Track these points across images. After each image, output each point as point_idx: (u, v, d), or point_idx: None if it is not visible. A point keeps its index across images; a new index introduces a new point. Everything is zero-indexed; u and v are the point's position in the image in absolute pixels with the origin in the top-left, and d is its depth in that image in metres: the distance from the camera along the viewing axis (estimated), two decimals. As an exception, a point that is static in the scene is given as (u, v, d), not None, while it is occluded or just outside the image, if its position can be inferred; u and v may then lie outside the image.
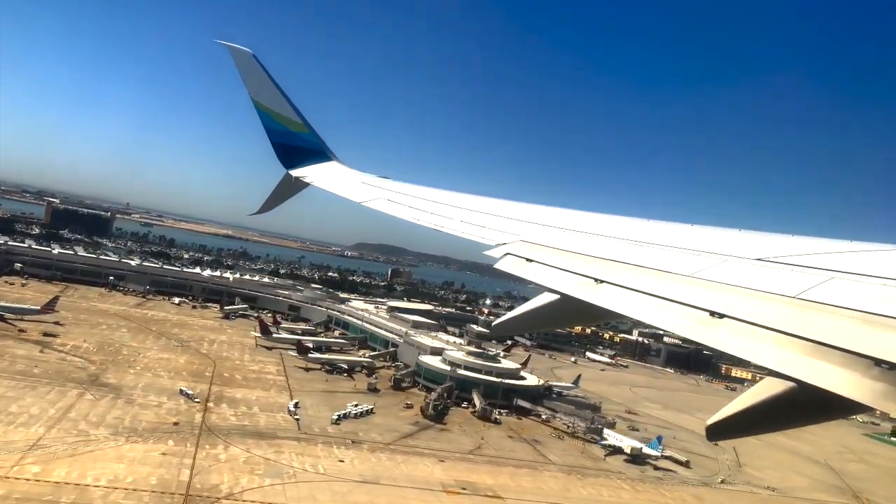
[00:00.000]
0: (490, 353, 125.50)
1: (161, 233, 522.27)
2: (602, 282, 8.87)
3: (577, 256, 10.19)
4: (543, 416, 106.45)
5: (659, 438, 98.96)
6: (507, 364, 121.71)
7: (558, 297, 9.56)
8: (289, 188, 22.15)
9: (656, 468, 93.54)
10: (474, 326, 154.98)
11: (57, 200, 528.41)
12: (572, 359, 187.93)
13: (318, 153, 22.81)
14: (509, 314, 10.99)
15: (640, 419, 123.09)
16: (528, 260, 10.75)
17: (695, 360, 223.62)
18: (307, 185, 21.40)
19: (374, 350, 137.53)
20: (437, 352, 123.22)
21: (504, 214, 14.25)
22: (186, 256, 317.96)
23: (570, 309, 9.50)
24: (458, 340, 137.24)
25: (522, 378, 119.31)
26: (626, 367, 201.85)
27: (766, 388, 6.69)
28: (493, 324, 11.68)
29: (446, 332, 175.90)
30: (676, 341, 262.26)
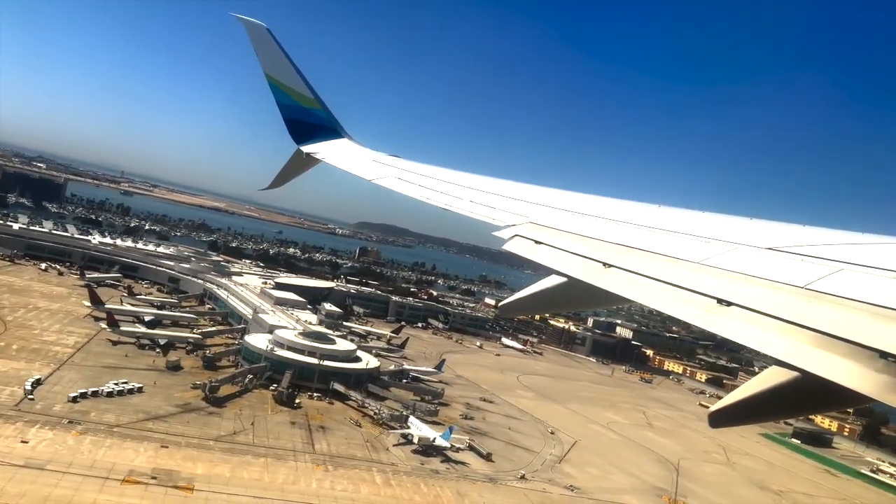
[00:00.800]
0: (330, 334, 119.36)
1: (144, 202, 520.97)
2: (610, 266, 9.07)
3: (586, 240, 10.34)
4: (358, 402, 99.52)
5: (450, 429, 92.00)
6: (342, 346, 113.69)
7: (566, 279, 9.70)
8: (300, 164, 22.30)
9: (447, 460, 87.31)
10: (327, 305, 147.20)
11: (43, 166, 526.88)
12: (478, 343, 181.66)
13: (330, 130, 22.97)
14: (516, 295, 10.88)
15: (490, 408, 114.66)
16: (536, 242, 10.89)
17: (621, 350, 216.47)
18: (318, 161, 21.56)
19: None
20: (274, 330, 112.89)
21: (514, 196, 14.32)
22: (134, 225, 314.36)
23: (577, 292, 9.69)
24: (312, 319, 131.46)
25: (357, 360, 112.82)
26: (541, 353, 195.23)
27: (771, 377, 6.75)
28: (500, 304, 11.78)
29: (350, 313, 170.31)
30: (613, 329, 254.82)
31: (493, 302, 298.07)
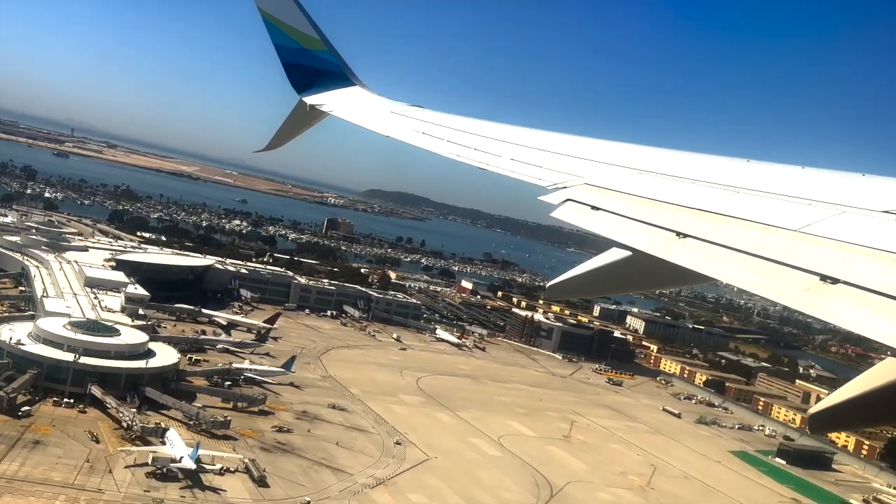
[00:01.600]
0: (118, 324, 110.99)
1: (84, 166, 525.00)
2: (685, 235, 8.99)
3: (655, 204, 10.28)
4: (115, 410, 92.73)
5: (198, 445, 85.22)
6: (127, 339, 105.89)
7: (629, 254, 9.68)
8: (303, 119, 22.05)
9: (195, 485, 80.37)
10: (130, 288, 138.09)
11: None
12: (395, 336, 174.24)
13: (339, 76, 22.66)
14: (568, 274, 10.73)
15: (333, 417, 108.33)
16: (593, 207, 10.79)
17: (598, 344, 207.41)
18: (325, 114, 21.30)
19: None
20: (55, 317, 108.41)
21: (565, 152, 14.12)
22: (29, 192, 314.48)
23: (643, 269, 9.63)
24: (115, 305, 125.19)
25: (148, 356, 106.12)
26: (483, 349, 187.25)
27: (887, 372, 6.72)
28: (549, 285, 11.49)
29: (236, 297, 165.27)
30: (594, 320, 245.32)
31: (469, 285, 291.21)
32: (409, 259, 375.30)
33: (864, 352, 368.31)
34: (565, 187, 11.91)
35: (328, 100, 21.73)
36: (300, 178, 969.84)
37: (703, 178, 10.90)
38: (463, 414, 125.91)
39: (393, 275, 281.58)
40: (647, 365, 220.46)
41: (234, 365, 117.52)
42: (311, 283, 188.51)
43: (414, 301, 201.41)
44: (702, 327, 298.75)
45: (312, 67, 22.26)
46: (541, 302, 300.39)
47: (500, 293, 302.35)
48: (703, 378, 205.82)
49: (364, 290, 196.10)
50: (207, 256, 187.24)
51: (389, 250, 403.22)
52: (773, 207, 9.17)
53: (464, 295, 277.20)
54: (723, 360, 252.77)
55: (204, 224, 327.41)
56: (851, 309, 6.58)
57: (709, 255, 8.50)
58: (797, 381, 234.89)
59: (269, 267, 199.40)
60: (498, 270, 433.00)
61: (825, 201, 8.84)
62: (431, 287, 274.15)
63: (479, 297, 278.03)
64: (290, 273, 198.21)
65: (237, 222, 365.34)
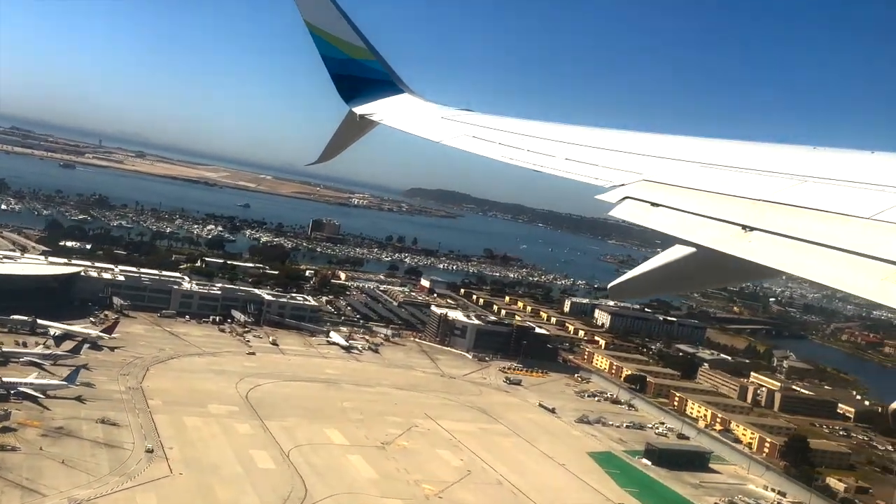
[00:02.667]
0: None
1: (92, 177, 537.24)
2: (751, 229, 8.97)
3: (717, 197, 10.18)
4: None
5: None
6: None
7: (692, 250, 9.90)
8: (353, 129, 22.37)
9: None
10: None
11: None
12: (271, 339, 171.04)
13: (387, 84, 22.92)
14: (630, 273, 11.28)
15: (86, 432, 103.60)
16: (653, 204, 10.80)
17: (515, 341, 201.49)
18: (375, 124, 21.62)
19: None
20: None
21: (622, 149, 14.26)
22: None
23: (708, 265, 9.81)
24: None
25: None
26: (376, 350, 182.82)
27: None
28: (611, 285, 12.23)
29: (108, 306, 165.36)
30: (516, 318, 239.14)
31: (427, 283, 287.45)
32: (389, 259, 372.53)
33: (876, 339, 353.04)
34: (623, 185, 11.92)
35: (378, 108, 22.00)
36: (346, 181, 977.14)
37: (767, 168, 10.82)
38: (275, 423, 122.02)
39: (343, 275, 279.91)
40: (580, 361, 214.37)
41: (4, 379, 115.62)
42: (196, 287, 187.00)
43: (312, 303, 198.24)
44: (674, 319, 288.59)
45: (360, 77, 22.60)
46: (507, 299, 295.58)
47: (462, 290, 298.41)
48: (628, 373, 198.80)
49: (257, 292, 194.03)
50: (76, 263, 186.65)
51: (376, 250, 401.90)
52: (842, 195, 9.04)
53: (419, 294, 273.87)
54: (681, 353, 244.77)
55: (167, 231, 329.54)
56: None
57: (777, 248, 8.44)
58: (753, 374, 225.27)
59: (167, 273, 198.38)
60: (495, 267, 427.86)
61: None
62: (382, 287, 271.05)
63: (435, 295, 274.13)
64: (183, 277, 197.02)
65: (211, 227, 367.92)
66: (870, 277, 7.10)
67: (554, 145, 15.42)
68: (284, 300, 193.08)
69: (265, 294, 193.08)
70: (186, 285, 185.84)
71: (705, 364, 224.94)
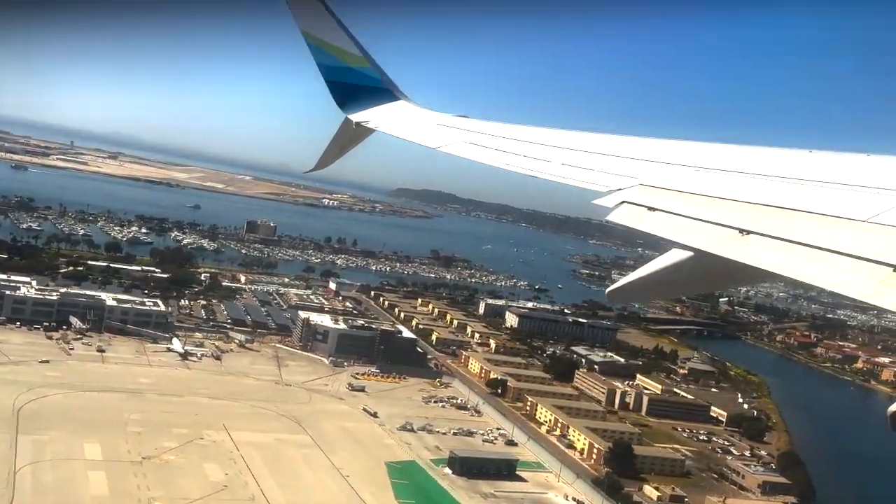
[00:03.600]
0: None
1: (39, 178, 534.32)
2: (748, 232, 9.10)
3: (715, 201, 10.40)
4: None
5: None
6: None
7: (691, 254, 9.92)
8: (350, 136, 23.04)
9: None
10: None
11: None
12: (98, 347, 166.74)
13: (383, 92, 23.35)
14: (628, 277, 11.09)
15: None
16: (650, 209, 11.04)
17: (379, 346, 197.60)
18: (371, 131, 22.21)
19: None
20: None
21: (618, 153, 14.42)
22: None
23: (706, 269, 9.85)
24: None
25: None
26: (218, 358, 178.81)
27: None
28: (609, 290, 11.79)
29: None
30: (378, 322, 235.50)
31: (334, 286, 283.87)
32: (320, 260, 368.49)
33: (808, 339, 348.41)
34: (620, 189, 12.07)
35: (374, 116, 22.44)
36: (334, 182, 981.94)
37: (764, 171, 10.95)
38: (29, 437, 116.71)
39: (244, 278, 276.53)
40: (457, 365, 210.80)
41: None
42: (32, 293, 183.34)
43: (158, 309, 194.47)
44: (584, 321, 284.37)
45: (356, 85, 22.98)
46: (418, 302, 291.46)
47: (372, 293, 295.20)
48: (495, 376, 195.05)
49: (101, 297, 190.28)
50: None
51: (310, 252, 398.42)
52: (839, 198, 9.05)
53: (326, 297, 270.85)
54: (574, 356, 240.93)
55: (80, 233, 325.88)
56: None
57: (774, 251, 8.48)
58: (639, 377, 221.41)
59: (17, 278, 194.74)
60: (436, 268, 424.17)
61: (894, 188, 8.72)
62: (282, 290, 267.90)
63: (340, 298, 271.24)
64: (31, 282, 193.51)
65: (134, 229, 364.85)
66: (867, 280, 7.13)
67: (550, 150, 15.57)
68: (128, 306, 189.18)
69: (108, 299, 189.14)
70: (23, 290, 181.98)
71: (588, 367, 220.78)
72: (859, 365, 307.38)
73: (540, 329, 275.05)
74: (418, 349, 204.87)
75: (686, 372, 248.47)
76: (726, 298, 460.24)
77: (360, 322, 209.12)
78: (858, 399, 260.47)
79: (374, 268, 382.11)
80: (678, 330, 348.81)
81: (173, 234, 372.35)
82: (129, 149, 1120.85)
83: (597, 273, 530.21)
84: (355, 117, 22.60)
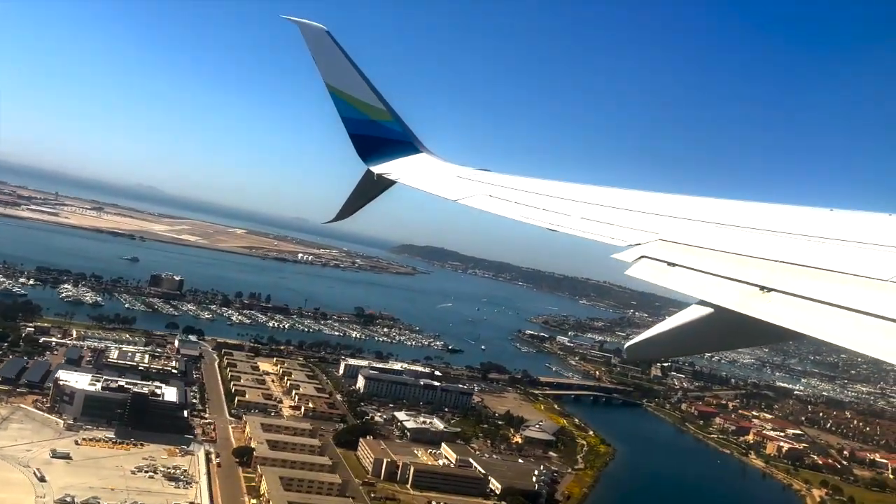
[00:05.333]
0: None
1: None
2: (769, 290, 9.16)
3: (735, 258, 10.54)
4: None
5: None
6: None
7: (711, 311, 10.00)
8: (370, 188, 23.82)
9: None
10: None
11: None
12: None
13: (405, 145, 24.27)
14: (646, 334, 11.10)
15: None
16: (669, 264, 11.16)
17: (133, 410, 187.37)
18: (392, 182, 22.91)
19: None
20: None
21: (637, 208, 14.82)
22: None
23: (726, 326, 9.83)
24: None
25: None
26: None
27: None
28: (627, 345, 11.80)
29: None
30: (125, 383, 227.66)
31: (177, 343, 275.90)
32: (210, 315, 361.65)
33: (709, 409, 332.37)
34: (639, 244, 12.33)
35: (395, 168, 22.96)
36: (339, 236, 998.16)
37: (785, 229, 11.07)
38: None
39: (75, 333, 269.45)
40: (234, 431, 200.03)
41: None
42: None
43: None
44: (437, 384, 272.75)
45: (379, 137, 23.55)
46: (274, 361, 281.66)
47: (223, 351, 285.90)
48: (248, 445, 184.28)
49: None
50: None
51: (213, 307, 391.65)
52: (861, 257, 9.10)
53: (164, 353, 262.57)
54: (388, 422, 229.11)
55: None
56: None
57: (797, 309, 8.42)
58: (444, 445, 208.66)
59: None
60: (352, 326, 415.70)
61: None
62: (115, 345, 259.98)
63: (180, 355, 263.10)
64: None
65: (23, 280, 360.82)
66: (891, 340, 7.07)
67: (569, 204, 15.96)
68: None
69: None
70: None
71: (401, 433, 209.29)
72: (749, 437, 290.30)
73: (387, 392, 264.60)
74: (180, 414, 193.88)
75: (520, 440, 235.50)
76: (668, 363, 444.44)
77: (121, 383, 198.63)
78: (712, 474, 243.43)
79: (270, 324, 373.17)
80: (573, 395, 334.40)
81: (60, 287, 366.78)
82: (143, 202, 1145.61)
83: (545, 335, 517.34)
84: (377, 169, 22.98)
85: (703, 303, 9.93)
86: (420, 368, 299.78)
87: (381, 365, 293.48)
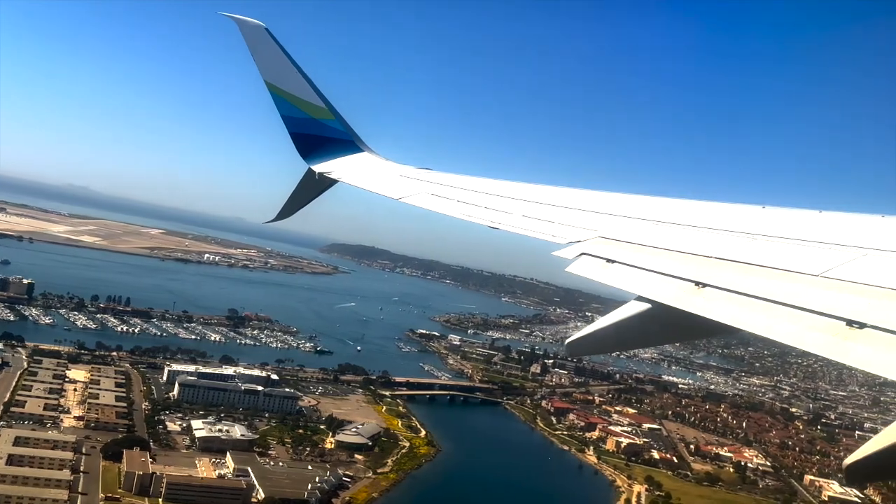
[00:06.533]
0: None
1: None
2: (704, 285, 9.45)
3: (672, 254, 10.83)
4: None
5: None
6: None
7: (648, 306, 10.27)
8: (312, 187, 24.48)
9: None
10: None
11: None
12: None
13: (347, 144, 24.88)
14: (588, 329, 11.26)
15: None
16: (608, 261, 11.50)
17: None
18: (334, 182, 23.61)
19: None
20: None
21: (578, 206, 15.26)
22: None
23: (664, 321, 10.07)
24: None
25: None
26: None
27: None
28: (568, 341, 12.24)
29: None
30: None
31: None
32: (50, 320, 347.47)
33: (565, 405, 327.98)
34: (579, 241, 12.76)
35: (337, 167, 23.92)
36: (270, 236, 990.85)
37: (719, 226, 11.45)
38: None
39: None
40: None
41: None
42: None
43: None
44: (260, 388, 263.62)
45: (320, 136, 24.36)
46: (89, 369, 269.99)
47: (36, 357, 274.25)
48: None
49: None
50: None
51: (63, 311, 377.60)
52: (792, 253, 9.44)
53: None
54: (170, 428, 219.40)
55: None
56: (880, 353, 6.64)
57: (730, 304, 8.69)
58: (229, 453, 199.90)
59: None
60: (220, 328, 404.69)
61: (845, 244, 8.97)
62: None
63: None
64: None
65: None
66: (821, 334, 7.32)
67: (511, 203, 16.42)
68: None
69: None
70: None
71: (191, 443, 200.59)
72: (595, 434, 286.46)
73: (204, 398, 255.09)
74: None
75: (331, 445, 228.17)
76: (551, 360, 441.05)
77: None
78: (536, 471, 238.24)
79: (119, 329, 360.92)
80: (428, 396, 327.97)
81: None
82: (68, 202, 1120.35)
83: (437, 334, 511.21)
84: (318, 168, 23.69)
85: (641, 298, 10.06)
86: (256, 373, 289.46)
87: (210, 370, 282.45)
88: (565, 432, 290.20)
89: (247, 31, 22.74)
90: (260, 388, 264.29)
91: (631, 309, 10.35)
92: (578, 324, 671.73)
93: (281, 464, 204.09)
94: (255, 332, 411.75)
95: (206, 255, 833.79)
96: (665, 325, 10.03)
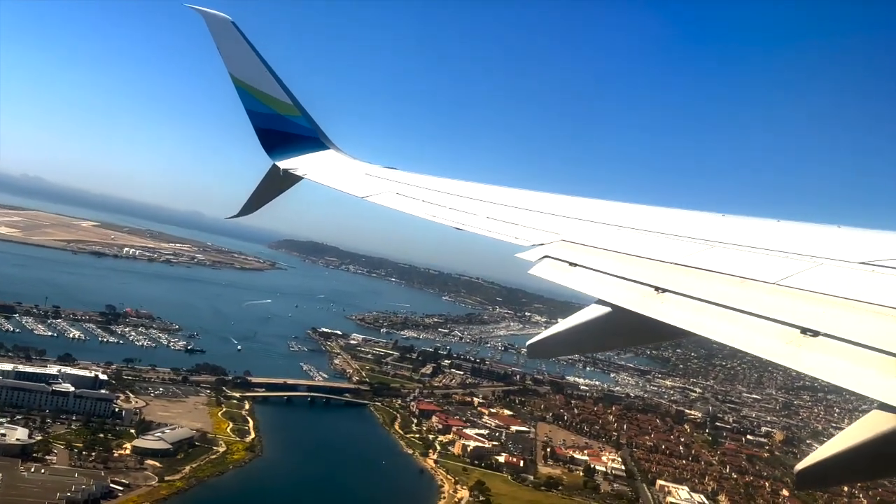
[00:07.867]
0: None
1: None
2: (663, 290, 9.55)
3: (633, 259, 10.89)
4: None
5: None
6: None
7: (609, 310, 10.24)
8: (276, 184, 24.54)
9: None
10: None
11: None
12: None
13: (312, 141, 25.04)
14: (547, 332, 11.04)
15: None
16: (570, 264, 11.61)
17: None
18: (299, 179, 23.76)
19: None
20: None
21: (541, 209, 15.62)
22: None
23: (623, 325, 10.06)
24: None
25: None
26: None
27: (872, 425, 6.87)
28: (529, 343, 11.63)
29: None
30: None
31: None
32: None
33: (429, 406, 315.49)
34: (542, 244, 12.87)
35: (302, 164, 23.90)
36: (221, 231, 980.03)
37: (680, 232, 11.56)
38: None
39: None
40: None
41: None
42: None
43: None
44: (71, 390, 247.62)
45: (286, 132, 24.29)
46: None
47: None
48: None
49: None
50: None
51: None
52: (750, 261, 9.52)
53: None
54: None
55: None
56: (833, 361, 6.75)
57: (688, 309, 8.78)
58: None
59: None
60: (94, 325, 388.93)
61: (802, 254, 9.11)
62: None
63: None
64: None
65: None
66: (775, 340, 7.38)
67: (476, 204, 16.58)
68: None
69: None
70: None
71: None
72: (449, 437, 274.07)
73: (8, 399, 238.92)
74: None
75: (126, 451, 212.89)
76: (449, 361, 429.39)
77: None
78: (361, 476, 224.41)
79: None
80: (286, 397, 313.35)
81: None
82: (17, 194, 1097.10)
83: (339, 333, 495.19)
84: (283, 164, 23.64)
85: (601, 302, 10.01)
86: (83, 373, 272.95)
87: (29, 370, 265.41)
88: (418, 435, 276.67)
89: (213, 25, 22.59)
90: (71, 388, 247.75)
91: (591, 312, 10.22)
92: (511, 324, 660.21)
93: (42, 471, 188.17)
94: (128, 329, 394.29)
95: (126, 249, 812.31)
96: (625, 329, 9.95)
